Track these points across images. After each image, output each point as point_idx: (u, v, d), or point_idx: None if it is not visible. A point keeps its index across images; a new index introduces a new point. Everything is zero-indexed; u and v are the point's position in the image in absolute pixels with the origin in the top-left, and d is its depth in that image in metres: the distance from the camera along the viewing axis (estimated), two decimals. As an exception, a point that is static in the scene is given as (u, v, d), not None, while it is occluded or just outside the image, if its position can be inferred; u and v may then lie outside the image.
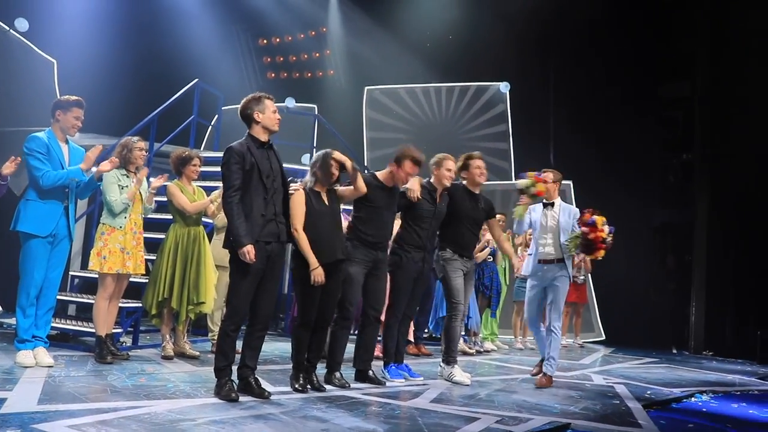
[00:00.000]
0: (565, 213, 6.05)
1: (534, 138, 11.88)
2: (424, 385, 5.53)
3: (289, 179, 4.81)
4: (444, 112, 11.98)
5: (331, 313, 5.07)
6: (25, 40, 9.69)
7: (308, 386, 4.90)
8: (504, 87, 11.69)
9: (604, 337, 10.93)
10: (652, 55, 11.60)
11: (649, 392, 5.97)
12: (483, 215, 6.02)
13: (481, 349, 8.42)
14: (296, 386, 4.84)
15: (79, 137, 7.03)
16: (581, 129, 11.54)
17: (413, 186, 5.51)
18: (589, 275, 10.78)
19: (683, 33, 11.55)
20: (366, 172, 5.57)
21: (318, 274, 4.69)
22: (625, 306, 11.07)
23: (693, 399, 5.95)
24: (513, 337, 9.48)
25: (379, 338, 5.79)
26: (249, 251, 4.29)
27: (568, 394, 5.61)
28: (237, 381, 4.48)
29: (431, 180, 5.79)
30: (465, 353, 7.82)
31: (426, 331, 8.31)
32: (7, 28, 9.38)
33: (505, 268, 9.12)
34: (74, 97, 5.25)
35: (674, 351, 10.60)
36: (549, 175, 6.01)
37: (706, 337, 10.48)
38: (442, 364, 5.90)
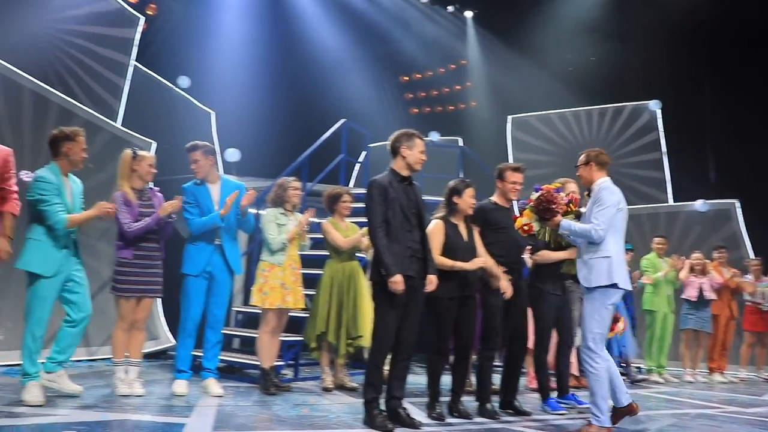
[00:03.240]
0: (591, 201, 4.78)
1: (691, 157, 11.21)
2: (582, 418, 5.28)
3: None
4: (595, 135, 11.58)
5: (469, 343, 5.10)
6: (186, 95, 10.49)
7: (455, 414, 4.99)
8: (654, 105, 11.11)
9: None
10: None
11: None
12: None
13: (636, 378, 8.10)
14: (432, 414, 4.87)
15: (236, 180, 7.47)
16: (745, 144, 10.75)
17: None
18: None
19: None
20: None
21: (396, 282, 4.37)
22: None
23: None
24: (682, 368, 8.86)
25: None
26: (399, 281, 4.33)
27: None
28: (387, 412, 4.51)
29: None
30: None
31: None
32: (172, 86, 10.19)
33: (669, 295, 8.60)
34: (190, 143, 5.51)
35: None
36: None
37: None
38: None
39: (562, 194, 4.82)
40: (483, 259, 5.04)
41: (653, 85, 11.55)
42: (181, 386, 5.30)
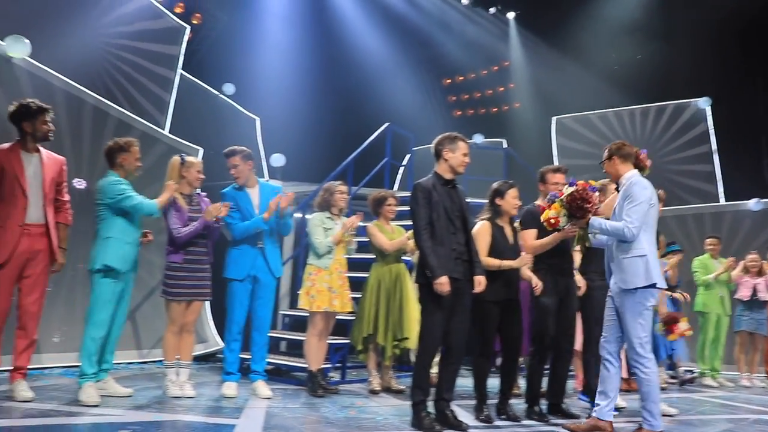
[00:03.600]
0: (621, 196, 4.52)
1: (744, 155, 10.91)
2: (637, 421, 5.18)
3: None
4: (639, 135, 11.37)
5: (516, 345, 5.09)
6: (231, 102, 10.66)
7: (503, 416, 4.98)
8: (704, 102, 10.82)
9: None
10: None
11: None
12: None
13: (685, 379, 7.94)
14: (480, 417, 4.86)
15: (282, 185, 7.54)
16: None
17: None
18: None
19: None
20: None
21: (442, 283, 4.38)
22: None
23: None
24: (738, 372, 8.62)
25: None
26: (444, 283, 4.33)
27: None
28: (434, 413, 4.52)
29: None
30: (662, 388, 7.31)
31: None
32: (217, 93, 10.37)
33: (723, 297, 8.39)
34: (228, 149, 5.60)
35: None
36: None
37: None
38: None
39: (597, 194, 4.67)
40: (530, 257, 5.02)
41: (703, 82, 11.28)
42: (230, 388, 5.38)
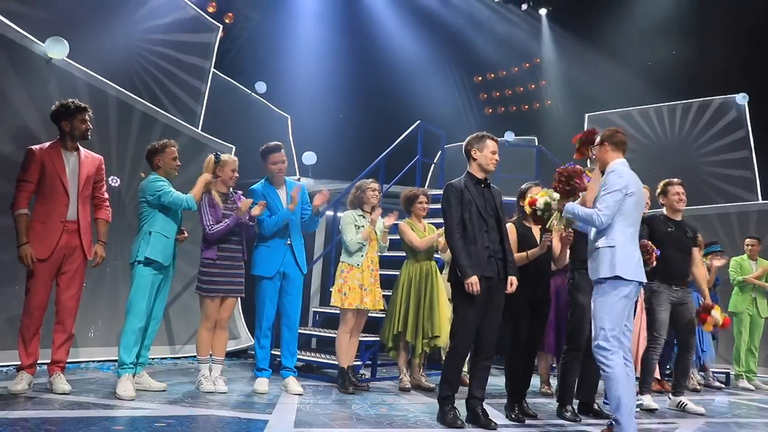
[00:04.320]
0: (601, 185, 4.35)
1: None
2: (671, 423, 5.14)
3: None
4: (669, 131, 11.18)
5: (534, 342, 5.10)
6: (263, 100, 10.74)
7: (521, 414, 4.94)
8: (741, 98, 10.58)
9: None
10: None
11: None
12: (690, 242, 5.82)
13: (713, 383, 7.88)
14: (512, 416, 4.86)
15: (313, 183, 7.58)
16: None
17: None
18: None
19: None
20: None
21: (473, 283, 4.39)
22: None
23: None
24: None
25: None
26: (474, 282, 4.34)
27: None
28: (467, 412, 4.55)
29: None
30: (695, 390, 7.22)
31: (668, 367, 7.77)
32: (249, 92, 10.46)
33: (756, 298, 8.22)
34: (274, 143, 5.64)
35: None
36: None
37: None
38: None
39: (589, 183, 4.55)
40: (551, 237, 4.98)
41: (740, 76, 11.07)
42: (262, 384, 5.43)
